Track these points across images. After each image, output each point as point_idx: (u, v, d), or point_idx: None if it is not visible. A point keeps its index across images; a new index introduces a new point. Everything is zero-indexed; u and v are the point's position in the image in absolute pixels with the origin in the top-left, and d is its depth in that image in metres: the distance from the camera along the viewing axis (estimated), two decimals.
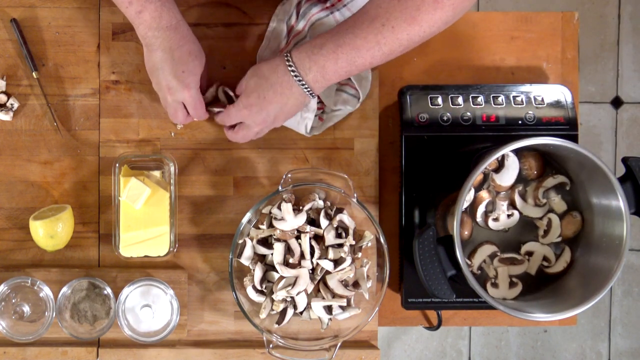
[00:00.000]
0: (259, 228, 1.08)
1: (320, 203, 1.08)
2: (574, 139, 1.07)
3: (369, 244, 1.09)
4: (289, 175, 1.07)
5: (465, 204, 1.03)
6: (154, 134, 1.12)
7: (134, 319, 1.07)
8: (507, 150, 0.95)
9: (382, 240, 1.05)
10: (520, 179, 1.05)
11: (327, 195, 1.10)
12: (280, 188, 1.05)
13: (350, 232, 1.06)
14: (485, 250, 1.04)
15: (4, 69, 1.12)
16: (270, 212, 1.07)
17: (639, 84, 2.21)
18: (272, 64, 0.98)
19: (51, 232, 1.05)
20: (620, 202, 0.95)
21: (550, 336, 2.19)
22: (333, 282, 1.05)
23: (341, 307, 1.07)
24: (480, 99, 1.10)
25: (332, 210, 1.07)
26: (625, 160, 1.00)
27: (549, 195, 1.05)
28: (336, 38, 0.94)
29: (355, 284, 1.07)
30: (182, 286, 1.10)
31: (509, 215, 1.04)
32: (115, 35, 1.12)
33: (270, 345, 1.05)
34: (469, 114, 1.10)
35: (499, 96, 1.11)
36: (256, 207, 1.06)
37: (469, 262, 1.03)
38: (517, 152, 1.03)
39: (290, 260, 1.04)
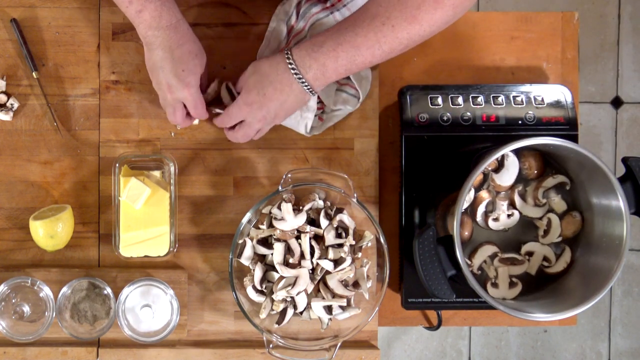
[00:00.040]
0: (259, 228, 1.08)
1: (320, 203, 1.08)
2: (574, 139, 1.07)
3: (369, 244, 1.09)
4: (289, 175, 1.07)
5: (465, 204, 1.03)
6: (154, 134, 1.12)
7: (134, 319, 1.07)
8: (507, 150, 0.95)
9: (382, 240, 1.05)
10: (520, 179, 1.05)
11: (327, 195, 1.10)
12: (280, 188, 1.05)
13: (350, 232, 1.06)
14: (486, 250, 1.04)
15: (4, 69, 1.12)
16: (270, 212, 1.07)
17: (639, 84, 2.21)
18: (272, 61, 0.99)
19: (51, 232, 1.05)
20: (620, 202, 0.95)
21: (550, 336, 2.19)
22: (333, 282, 1.05)
23: (341, 307, 1.07)
24: (480, 99, 1.10)
25: (332, 210, 1.07)
26: (625, 160, 1.00)
27: (548, 195, 1.05)
28: (336, 36, 0.94)
29: (355, 284, 1.07)
30: (182, 286, 1.10)
31: (509, 215, 1.04)
32: (115, 35, 1.12)
33: (270, 345, 1.05)
34: (469, 114, 1.10)
35: (499, 96, 1.11)
36: (256, 207, 1.06)
37: (469, 262, 1.03)
38: (517, 152, 1.03)
39: (290, 260, 1.04)
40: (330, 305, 1.06)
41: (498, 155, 0.95)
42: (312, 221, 1.08)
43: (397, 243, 1.13)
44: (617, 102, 2.21)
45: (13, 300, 1.07)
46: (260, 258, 1.08)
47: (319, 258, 1.05)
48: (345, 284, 1.06)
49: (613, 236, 0.98)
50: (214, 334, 1.13)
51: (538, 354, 2.19)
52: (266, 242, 1.07)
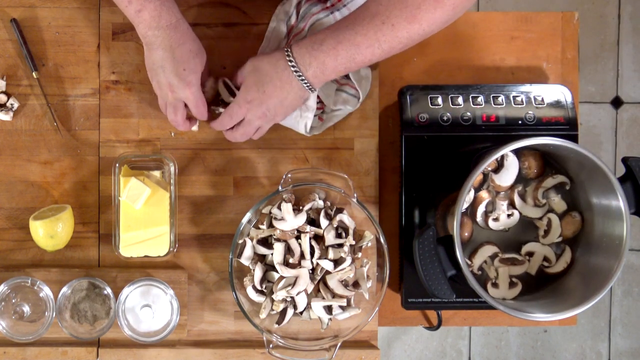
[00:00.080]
0: (259, 228, 1.08)
1: (320, 203, 1.08)
2: (574, 139, 1.07)
3: (369, 244, 1.09)
4: (289, 175, 1.07)
5: (465, 204, 1.03)
6: (154, 134, 1.12)
7: (134, 319, 1.07)
8: (507, 150, 0.95)
9: (382, 240, 1.05)
10: (520, 179, 1.05)
11: (327, 195, 1.10)
12: (280, 188, 1.05)
13: (350, 232, 1.06)
14: (486, 250, 1.04)
15: (4, 69, 1.12)
16: (270, 212, 1.07)
17: (639, 84, 2.21)
18: (272, 58, 0.99)
19: (51, 232, 1.05)
20: (620, 202, 0.95)
21: (550, 336, 2.19)
22: (333, 282, 1.05)
23: (341, 307, 1.07)
24: (480, 99, 1.10)
25: (332, 210, 1.07)
26: (625, 160, 1.00)
27: (548, 195, 1.05)
28: (336, 34, 0.94)
29: (355, 284, 1.07)
30: (182, 286, 1.10)
31: (509, 215, 1.04)
32: (115, 35, 1.12)
33: (270, 345, 1.05)
34: (469, 114, 1.10)
35: (499, 96, 1.11)
36: (256, 207, 1.06)
37: (469, 262, 1.03)
38: (517, 152, 1.03)
39: (290, 260, 1.04)
40: (330, 305, 1.06)
41: (498, 155, 0.95)
42: (312, 221, 1.08)
43: (397, 243, 1.13)
44: (617, 102, 2.21)
45: (13, 300, 1.07)
46: (260, 258, 1.08)
47: (319, 258, 1.05)
48: (345, 284, 1.06)
49: (613, 236, 0.98)
50: (214, 334, 1.13)
51: (538, 354, 2.19)
52: (266, 242, 1.07)
